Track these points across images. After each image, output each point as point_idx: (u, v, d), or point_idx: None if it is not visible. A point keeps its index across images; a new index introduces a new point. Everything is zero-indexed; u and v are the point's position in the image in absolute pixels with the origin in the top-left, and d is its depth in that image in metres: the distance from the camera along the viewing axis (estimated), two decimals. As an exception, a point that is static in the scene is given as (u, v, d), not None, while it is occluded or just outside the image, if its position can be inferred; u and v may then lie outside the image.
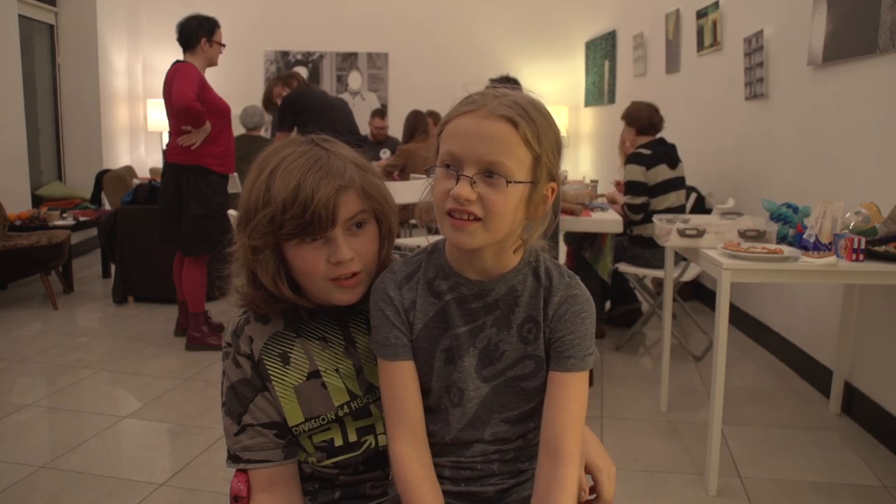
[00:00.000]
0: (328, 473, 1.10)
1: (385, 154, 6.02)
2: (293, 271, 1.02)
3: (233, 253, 1.05)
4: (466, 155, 0.89)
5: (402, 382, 0.99)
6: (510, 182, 0.89)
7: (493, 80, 3.62)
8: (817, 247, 2.19)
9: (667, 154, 3.70)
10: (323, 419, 1.07)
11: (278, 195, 0.96)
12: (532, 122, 0.90)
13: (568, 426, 0.95)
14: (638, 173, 3.64)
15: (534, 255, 1.01)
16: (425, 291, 1.00)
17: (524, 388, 1.00)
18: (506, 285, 0.98)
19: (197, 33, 3.49)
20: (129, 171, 5.83)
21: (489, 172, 0.89)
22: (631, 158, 3.71)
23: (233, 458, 1.07)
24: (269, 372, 1.06)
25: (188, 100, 3.29)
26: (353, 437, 1.09)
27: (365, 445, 1.09)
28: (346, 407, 1.07)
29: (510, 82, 3.68)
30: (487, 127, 0.89)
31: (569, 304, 0.98)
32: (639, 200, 3.64)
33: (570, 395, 0.96)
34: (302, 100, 3.86)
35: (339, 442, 1.09)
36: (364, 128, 6.41)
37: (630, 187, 3.66)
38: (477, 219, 0.89)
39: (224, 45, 3.64)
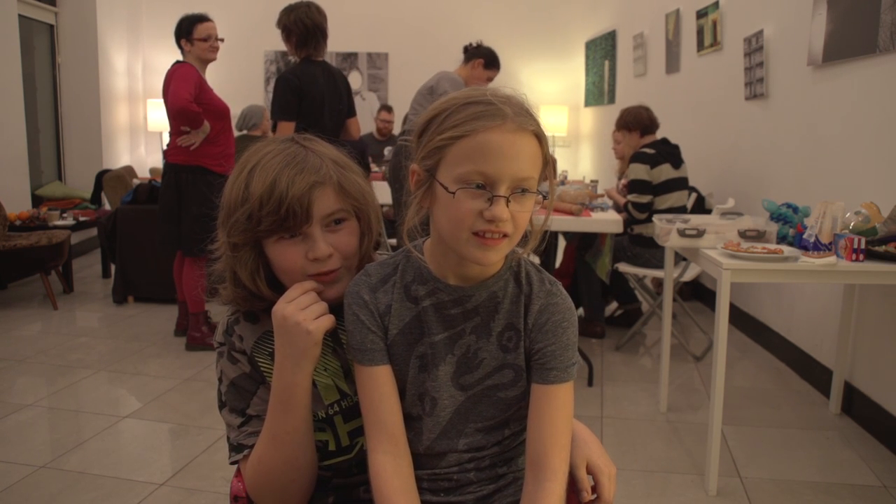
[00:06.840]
0: (322, 475, 1.10)
1: (388, 152, 6.03)
2: (274, 268, 1.03)
3: (214, 251, 1.05)
4: (501, 174, 0.86)
5: (378, 388, 0.97)
6: (545, 197, 0.90)
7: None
8: (817, 247, 2.19)
9: (671, 154, 3.70)
10: (314, 417, 1.07)
11: (255, 192, 0.97)
12: (543, 131, 0.90)
13: (552, 441, 0.94)
14: (642, 172, 3.64)
15: (515, 260, 0.99)
16: (402, 296, 0.98)
17: (501, 398, 0.99)
18: (486, 291, 0.96)
19: (177, 37, 3.49)
20: (129, 171, 5.82)
21: (521, 189, 0.88)
22: (635, 157, 3.71)
23: (236, 447, 1.05)
24: (262, 369, 1.07)
25: (183, 101, 3.28)
26: (345, 442, 1.09)
27: (357, 447, 1.09)
28: (336, 406, 1.07)
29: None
30: (519, 142, 0.87)
31: (549, 312, 0.96)
32: (644, 199, 3.63)
33: (553, 408, 0.95)
34: (302, 91, 3.73)
35: (332, 446, 1.09)
36: (370, 123, 6.44)
37: (634, 186, 3.66)
38: (505, 235, 0.88)
39: (208, 39, 3.48)
